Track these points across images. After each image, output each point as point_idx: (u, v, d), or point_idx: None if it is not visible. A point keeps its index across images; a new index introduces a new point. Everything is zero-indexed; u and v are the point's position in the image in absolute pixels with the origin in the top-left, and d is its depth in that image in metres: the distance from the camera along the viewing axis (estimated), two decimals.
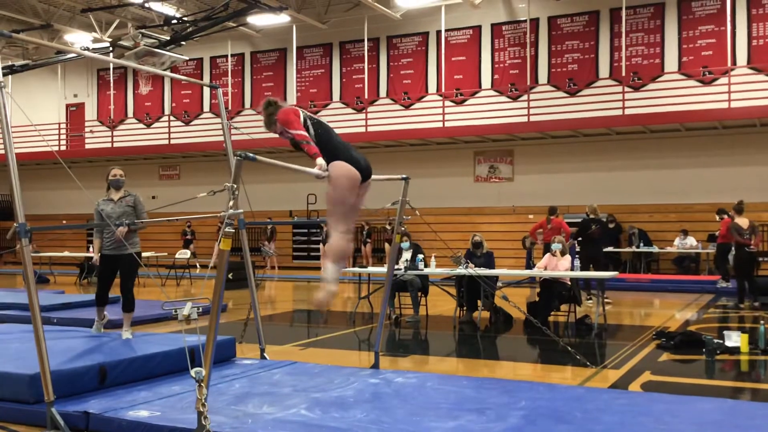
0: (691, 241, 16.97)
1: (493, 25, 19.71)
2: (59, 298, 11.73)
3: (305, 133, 4.88)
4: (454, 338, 9.47)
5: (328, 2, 20.79)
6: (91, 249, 11.57)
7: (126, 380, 5.64)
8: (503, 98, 19.42)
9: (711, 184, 17.40)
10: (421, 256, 10.61)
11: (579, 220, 17.92)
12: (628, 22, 18.11)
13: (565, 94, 18.73)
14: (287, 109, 5.07)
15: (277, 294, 15.87)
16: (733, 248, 14.13)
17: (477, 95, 19.78)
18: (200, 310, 4.48)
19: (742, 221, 11.78)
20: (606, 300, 12.28)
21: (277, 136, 5.15)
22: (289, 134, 4.94)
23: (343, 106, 21.21)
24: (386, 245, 19.05)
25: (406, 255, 10.75)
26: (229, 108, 21.97)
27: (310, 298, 4.80)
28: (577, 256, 11.19)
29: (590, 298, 12.06)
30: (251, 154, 4.37)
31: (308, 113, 5.10)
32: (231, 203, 4.22)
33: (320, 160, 4.78)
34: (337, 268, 4.70)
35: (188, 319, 4.34)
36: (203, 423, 4.11)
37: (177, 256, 17.82)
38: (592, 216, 12.63)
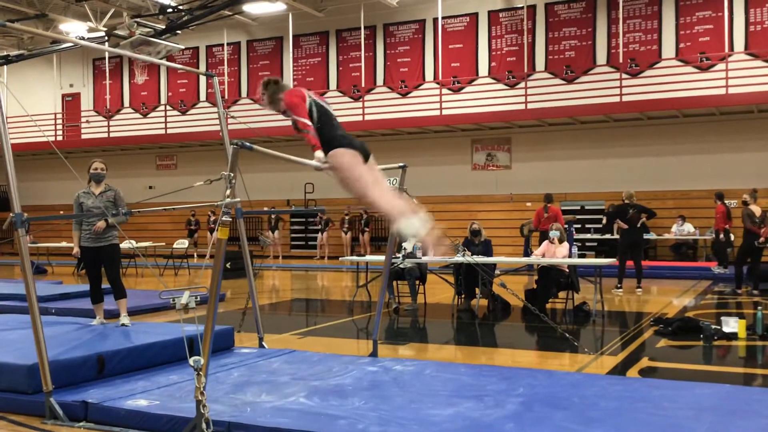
0: (688, 227, 16.98)
1: (490, 12, 19.64)
2: (57, 288, 11.71)
3: (309, 122, 4.78)
4: (452, 326, 9.49)
5: None
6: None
7: (124, 370, 5.64)
8: (500, 86, 19.37)
9: (709, 171, 17.39)
10: (419, 244, 10.59)
11: (577, 207, 18.10)
12: (626, 9, 18.03)
13: (562, 82, 18.69)
14: (294, 91, 4.95)
15: (275, 283, 15.87)
16: (722, 235, 14.16)
17: (474, 83, 19.73)
18: (198, 299, 4.47)
19: (755, 209, 11.69)
20: (638, 288, 12.36)
21: (280, 116, 5.05)
22: (293, 118, 4.87)
23: (340, 94, 21.13)
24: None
25: (410, 243, 10.70)
26: (226, 97, 21.90)
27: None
28: (575, 243, 11.22)
29: (639, 287, 12.27)
30: (247, 144, 4.35)
31: (315, 98, 4.93)
32: (228, 192, 4.21)
33: (319, 153, 4.69)
34: (415, 216, 4.44)
35: (186, 308, 4.33)
36: (202, 411, 4.11)
37: (175, 245, 17.81)
38: (627, 201, 12.61)
